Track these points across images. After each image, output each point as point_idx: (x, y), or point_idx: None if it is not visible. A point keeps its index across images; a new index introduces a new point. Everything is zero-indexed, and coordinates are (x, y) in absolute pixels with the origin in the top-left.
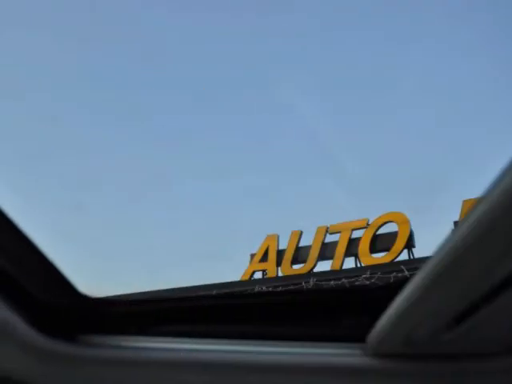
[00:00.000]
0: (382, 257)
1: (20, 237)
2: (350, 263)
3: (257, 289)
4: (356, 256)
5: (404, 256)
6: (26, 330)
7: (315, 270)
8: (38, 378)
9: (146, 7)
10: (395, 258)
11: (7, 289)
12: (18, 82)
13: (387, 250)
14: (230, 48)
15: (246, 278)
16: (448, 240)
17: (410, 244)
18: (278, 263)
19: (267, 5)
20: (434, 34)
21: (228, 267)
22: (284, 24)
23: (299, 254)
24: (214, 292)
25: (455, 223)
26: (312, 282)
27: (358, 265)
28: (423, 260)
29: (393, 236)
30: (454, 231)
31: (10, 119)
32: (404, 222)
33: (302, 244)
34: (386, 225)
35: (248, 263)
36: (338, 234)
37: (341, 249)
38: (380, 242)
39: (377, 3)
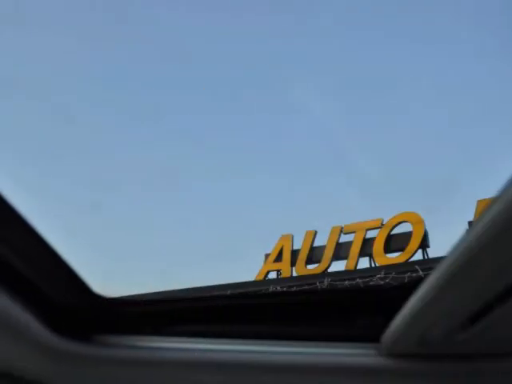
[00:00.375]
0: (397, 257)
1: (34, 237)
2: (364, 263)
3: (271, 289)
4: (370, 256)
5: (418, 256)
6: (41, 331)
7: (330, 270)
8: (53, 378)
9: (155, 7)
10: (409, 258)
11: (22, 289)
12: (33, 82)
13: (401, 250)
14: (241, 48)
15: (261, 278)
16: (462, 240)
17: (424, 244)
18: (293, 263)
19: (278, 5)
20: (448, 35)
21: (242, 267)
22: (296, 24)
23: (314, 254)
24: (229, 292)
25: (470, 223)
26: (326, 282)
27: (373, 265)
28: (437, 260)
29: (407, 236)
30: (468, 231)
31: (25, 119)
32: (418, 221)
33: (316, 244)
34: (401, 225)
35: (262, 263)
36: (353, 234)
37: (355, 249)
38: (394, 242)
39: (390, 3)
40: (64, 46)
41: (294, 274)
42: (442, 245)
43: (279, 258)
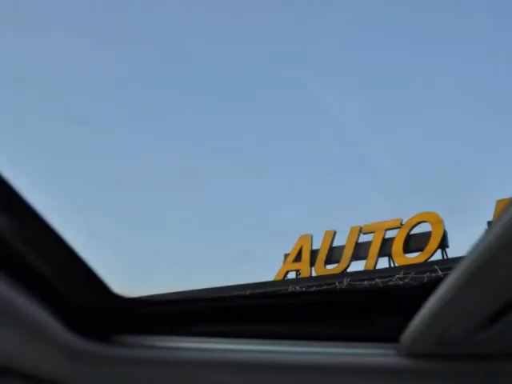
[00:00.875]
0: (416, 257)
1: (53, 237)
2: (383, 263)
3: (290, 289)
4: (390, 256)
5: (438, 256)
6: (60, 331)
7: (349, 270)
8: (72, 378)
9: (158, 7)
10: (429, 258)
11: (41, 289)
12: (45, 82)
13: (421, 250)
14: (262, 47)
15: (280, 278)
16: (482, 240)
17: (443, 244)
18: (312, 263)
19: (290, 4)
20: (465, 34)
21: (262, 267)
22: (313, 24)
23: (333, 254)
24: (248, 292)
25: (489, 223)
26: (346, 282)
27: (392, 265)
28: (457, 260)
29: (426, 236)
30: (487, 231)
31: (40, 120)
32: (437, 221)
33: (335, 244)
34: (420, 225)
35: (282, 263)
36: (372, 234)
37: (374, 249)
38: (414, 242)
39: (403, 3)
40: (65, 47)
41: (313, 273)
42: (461, 245)
43: (298, 257)
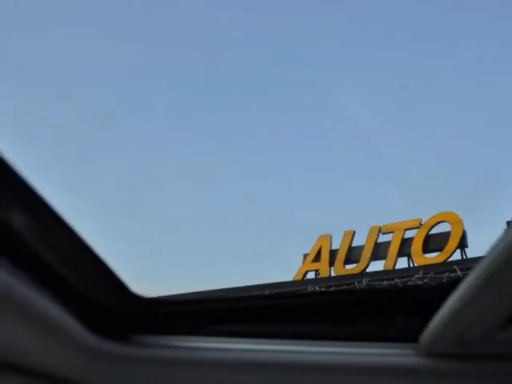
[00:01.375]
0: (435, 257)
1: (72, 235)
2: (402, 263)
3: (309, 289)
4: (409, 256)
5: (457, 256)
6: (79, 330)
7: (368, 270)
8: (88, 378)
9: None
10: (448, 258)
11: (60, 288)
12: (71, 81)
13: (440, 250)
14: (262, 47)
15: (299, 278)
16: (501, 240)
17: (462, 244)
18: (331, 263)
19: (297, 5)
20: (465, 34)
21: (281, 267)
22: (318, 24)
23: (352, 254)
24: (267, 292)
25: (508, 223)
26: (365, 282)
27: (411, 265)
28: (476, 260)
29: (446, 236)
30: (506, 231)
31: (61, 119)
32: (457, 221)
33: (354, 244)
34: (439, 225)
35: (301, 263)
36: (391, 234)
37: (394, 249)
38: (433, 242)
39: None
40: (91, 46)
41: (333, 273)
42: (480, 245)
43: (317, 257)
